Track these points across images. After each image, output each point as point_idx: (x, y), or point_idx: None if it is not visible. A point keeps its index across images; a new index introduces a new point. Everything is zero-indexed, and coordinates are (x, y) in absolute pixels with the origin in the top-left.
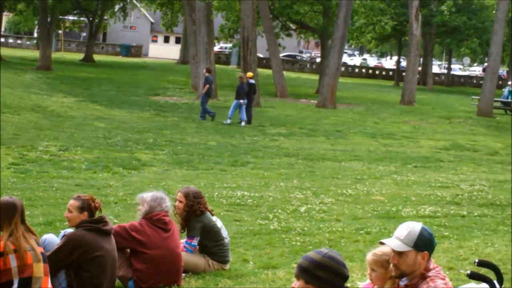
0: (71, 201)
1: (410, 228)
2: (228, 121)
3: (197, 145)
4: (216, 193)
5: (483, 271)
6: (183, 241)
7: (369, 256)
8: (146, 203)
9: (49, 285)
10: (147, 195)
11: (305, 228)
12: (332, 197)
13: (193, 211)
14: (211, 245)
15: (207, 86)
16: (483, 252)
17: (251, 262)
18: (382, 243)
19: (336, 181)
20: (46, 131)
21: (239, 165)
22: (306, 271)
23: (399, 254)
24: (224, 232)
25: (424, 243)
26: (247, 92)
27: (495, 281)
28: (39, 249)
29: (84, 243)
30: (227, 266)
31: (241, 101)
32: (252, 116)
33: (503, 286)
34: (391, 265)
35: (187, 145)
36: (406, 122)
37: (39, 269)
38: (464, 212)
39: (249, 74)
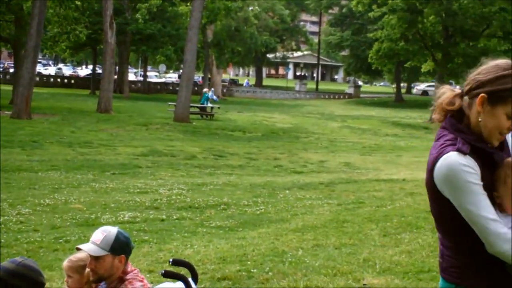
0: None
1: (106, 232)
2: None
3: None
4: None
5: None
6: None
7: (65, 263)
8: None
9: None
10: None
11: (2, 240)
12: (30, 207)
13: None
14: None
15: None
16: (183, 254)
17: None
18: (78, 249)
19: (34, 191)
20: None
21: None
22: (1, 281)
23: (96, 258)
24: None
25: (120, 247)
26: None
27: (190, 279)
28: None
29: None
30: None
31: None
32: None
33: (198, 284)
34: (87, 270)
35: None
36: (103, 130)
37: None
38: (164, 216)
39: None
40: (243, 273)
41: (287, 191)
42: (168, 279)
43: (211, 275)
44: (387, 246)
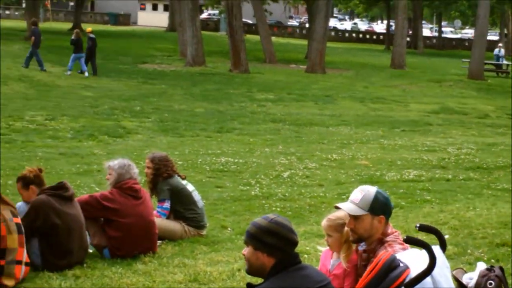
0: (17, 185)
1: (364, 191)
2: (69, 72)
3: (184, 112)
4: (200, 160)
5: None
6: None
7: (324, 221)
8: (114, 171)
9: (25, 256)
10: (114, 163)
11: (287, 194)
12: (317, 162)
13: (160, 174)
14: (183, 209)
15: (33, 38)
16: (464, 216)
17: (229, 229)
18: (337, 208)
19: (322, 146)
20: (33, 101)
21: (225, 132)
22: (254, 237)
23: (355, 218)
24: (197, 196)
25: (379, 207)
26: (90, 46)
27: (436, 247)
28: (15, 220)
29: (46, 208)
30: (204, 232)
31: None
32: (97, 68)
33: (476, 248)
34: (345, 229)
35: (173, 112)
36: (396, 86)
37: (13, 240)
38: (449, 176)
39: (89, 29)
40: None
41: None
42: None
43: (490, 240)
44: None
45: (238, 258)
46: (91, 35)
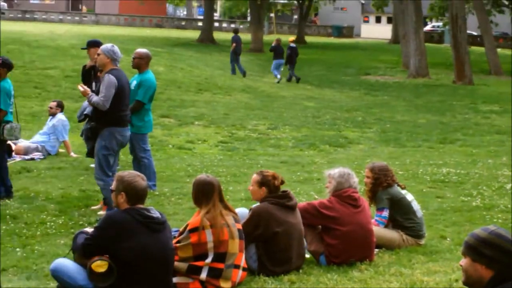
0: (254, 176)
1: None
2: (277, 80)
3: (406, 123)
4: (421, 170)
5: None
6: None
7: None
8: (333, 180)
9: (243, 261)
10: (334, 172)
11: (509, 205)
12: None
13: (379, 184)
14: (402, 218)
15: (234, 44)
16: None
17: (448, 239)
18: None
19: None
20: (256, 111)
21: (448, 143)
22: (472, 249)
23: None
24: (416, 206)
25: None
26: (289, 54)
27: None
28: (237, 226)
29: (268, 217)
30: (422, 242)
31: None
32: (293, 75)
33: None
34: None
35: (396, 123)
36: None
37: (234, 245)
38: None
39: (291, 38)
40: None
41: None
42: None
43: None
44: None
45: (456, 269)
46: (292, 44)
